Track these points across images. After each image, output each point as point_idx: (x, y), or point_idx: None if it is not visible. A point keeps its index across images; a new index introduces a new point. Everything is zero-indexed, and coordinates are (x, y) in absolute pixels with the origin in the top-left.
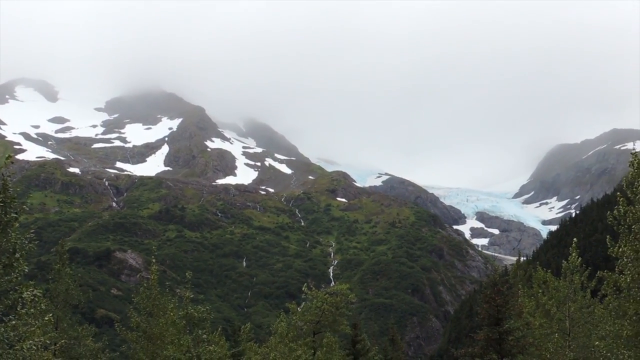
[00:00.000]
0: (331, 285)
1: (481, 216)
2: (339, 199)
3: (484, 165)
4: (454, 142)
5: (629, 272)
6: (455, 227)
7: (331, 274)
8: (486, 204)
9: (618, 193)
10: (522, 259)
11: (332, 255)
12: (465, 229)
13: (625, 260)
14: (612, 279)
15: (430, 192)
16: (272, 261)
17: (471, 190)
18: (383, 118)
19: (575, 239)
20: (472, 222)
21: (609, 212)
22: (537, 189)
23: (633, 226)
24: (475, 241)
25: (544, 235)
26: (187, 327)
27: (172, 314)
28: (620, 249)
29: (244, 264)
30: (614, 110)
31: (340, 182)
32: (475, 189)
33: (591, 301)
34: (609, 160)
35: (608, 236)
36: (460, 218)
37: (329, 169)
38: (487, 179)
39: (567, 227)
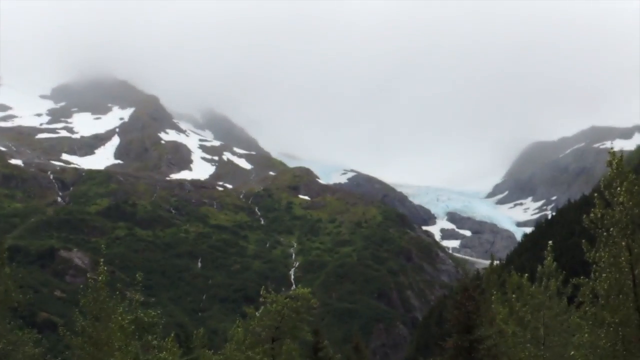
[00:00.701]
0: (292, 288)
1: (452, 217)
2: (301, 196)
3: (455, 163)
4: (424, 139)
5: (606, 278)
6: (424, 228)
7: (292, 277)
8: (458, 204)
9: (596, 194)
10: (495, 262)
11: (293, 256)
12: (435, 230)
13: (602, 266)
14: (589, 286)
15: (399, 190)
16: (229, 262)
17: (442, 189)
18: (350, 112)
19: (550, 242)
20: (443, 223)
21: (585, 215)
22: (512, 189)
23: (611, 229)
24: (445, 243)
25: (519, 237)
26: (137, 332)
27: (120, 318)
28: (597, 254)
29: (199, 265)
30: (593, 107)
31: (303, 178)
32: (446, 188)
33: (567, 308)
34: (587, 159)
35: (584, 240)
36: (430, 218)
37: (291, 164)
38: (458, 177)
39: (542, 229)
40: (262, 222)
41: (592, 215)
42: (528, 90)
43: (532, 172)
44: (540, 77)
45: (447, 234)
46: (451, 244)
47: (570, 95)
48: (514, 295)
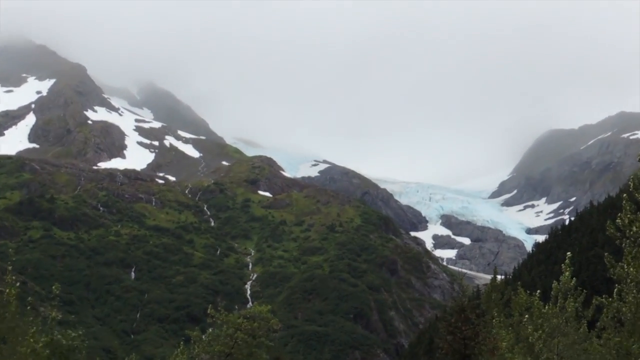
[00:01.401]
0: (248, 306)
1: (448, 220)
2: (261, 192)
3: (452, 156)
4: (415, 125)
5: (633, 299)
6: (413, 233)
7: (248, 292)
8: (455, 205)
9: (624, 195)
10: (499, 277)
11: (250, 266)
12: (426, 236)
13: (630, 284)
14: (613, 308)
15: (383, 187)
16: (171, 273)
17: (435, 187)
18: (323, 91)
19: (569, 253)
20: (436, 228)
21: (609, 221)
22: (521, 188)
23: None
24: (439, 253)
25: (529, 247)
26: (53, 358)
27: (32, 340)
28: (623, 270)
29: (133, 275)
30: (621, 90)
31: (264, 170)
32: (441, 185)
33: (587, 335)
34: (614, 152)
35: (607, 254)
36: (421, 222)
37: (250, 152)
38: (456, 172)
39: (558, 237)
40: (213, 224)
41: (618, 221)
42: (544, 70)
43: (547, 168)
44: (558, 55)
45: (441, 242)
46: (446, 254)
47: (595, 76)
48: (521, 319)
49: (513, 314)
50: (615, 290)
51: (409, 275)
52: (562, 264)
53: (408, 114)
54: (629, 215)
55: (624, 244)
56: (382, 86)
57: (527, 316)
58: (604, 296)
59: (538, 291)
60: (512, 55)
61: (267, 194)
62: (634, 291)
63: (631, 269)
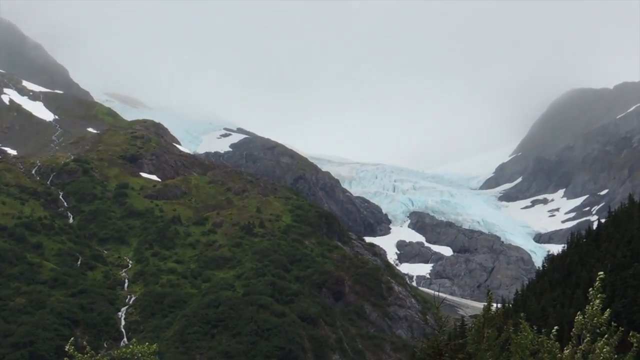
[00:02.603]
0: (122, 343)
1: (420, 221)
2: (145, 175)
3: (428, 127)
4: (376, 83)
5: None
6: (369, 239)
7: (123, 322)
8: (430, 198)
9: None
10: (494, 305)
11: (126, 284)
12: (388, 243)
13: None
14: None
15: (325, 169)
16: (7, 292)
17: (403, 171)
18: (240, 32)
19: (601, 273)
20: (403, 232)
21: None
22: (529, 174)
23: None
24: (406, 268)
25: (538, 261)
26: None
27: None
28: None
29: None
30: None
31: (150, 142)
32: (411, 169)
33: None
34: None
35: None
36: (380, 223)
37: (129, 115)
38: (433, 151)
39: (582, 248)
40: (71, 221)
41: None
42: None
43: (567, 145)
44: None
45: (409, 252)
46: (416, 270)
47: (637, 14)
48: None
49: (513, 359)
50: None
51: (361, 301)
52: (590, 288)
53: (365, 66)
54: None
55: None
56: (327, 26)
57: None
58: None
59: (555, 328)
60: None
61: (154, 177)
62: None
63: None
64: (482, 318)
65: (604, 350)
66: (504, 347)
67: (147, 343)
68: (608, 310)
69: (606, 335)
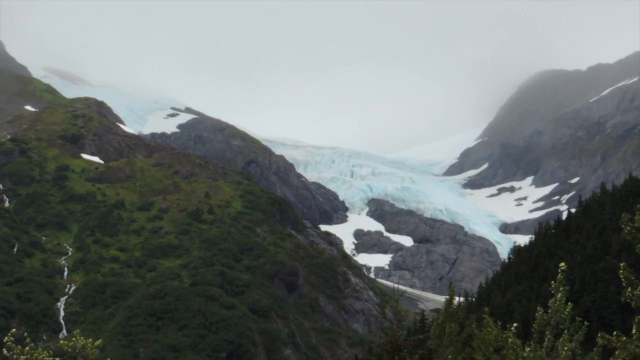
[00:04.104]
0: (61, 336)
1: (379, 208)
2: (86, 156)
3: (389, 109)
4: (332, 61)
5: None
6: (324, 227)
7: (62, 313)
8: (390, 184)
9: None
10: (457, 299)
11: (66, 273)
12: (345, 232)
13: None
14: (628, 351)
15: (279, 152)
16: None
17: (361, 155)
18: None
19: (563, 264)
20: (361, 220)
21: (624, 217)
22: (495, 160)
23: None
24: (364, 259)
25: (504, 253)
26: None
27: None
28: None
29: None
30: None
31: (92, 121)
32: (370, 153)
33: None
34: None
35: (622, 264)
36: (337, 210)
37: (69, 92)
38: (393, 134)
39: (550, 239)
40: (7, 205)
41: (638, 217)
42: None
43: (536, 130)
44: None
45: (367, 242)
46: (375, 260)
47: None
48: None
49: (475, 356)
50: (635, 323)
51: (316, 294)
52: (553, 282)
53: (324, 47)
54: None
55: None
56: (287, 6)
57: None
58: (615, 333)
59: (514, 325)
60: None
61: (96, 159)
62: None
63: None
64: (444, 313)
65: (565, 348)
66: (467, 342)
67: (88, 337)
68: (570, 304)
69: (567, 331)
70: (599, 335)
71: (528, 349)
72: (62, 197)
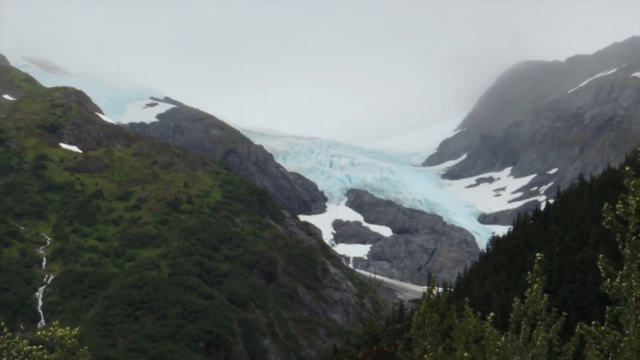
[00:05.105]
0: (39, 325)
1: (358, 198)
2: (65, 145)
3: (368, 99)
4: (312, 49)
5: (634, 330)
6: (303, 217)
7: (40, 303)
8: (369, 175)
9: (627, 169)
10: (436, 289)
11: (44, 263)
12: (324, 222)
13: (630, 306)
14: (605, 341)
15: (258, 142)
16: None
17: (340, 145)
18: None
19: (539, 254)
20: (339, 210)
21: (606, 206)
22: (474, 151)
23: None
24: (343, 249)
25: (482, 243)
26: None
27: None
28: (622, 283)
29: None
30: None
31: (71, 111)
32: (349, 144)
33: None
34: (620, 100)
35: (601, 256)
36: (316, 201)
37: (48, 81)
38: (372, 125)
39: (529, 230)
40: None
41: (619, 206)
42: None
43: (514, 121)
44: None
45: (346, 232)
46: (353, 250)
47: None
48: (465, 353)
49: (455, 346)
50: (612, 311)
51: (294, 284)
52: (529, 272)
53: (302, 36)
54: (636, 198)
55: (626, 242)
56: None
57: (476, 351)
58: (593, 323)
59: (491, 314)
60: None
61: (75, 148)
62: (636, 316)
63: (633, 282)
64: (424, 302)
65: (541, 335)
66: (446, 333)
67: (66, 327)
68: (546, 295)
69: (542, 322)
70: (579, 325)
71: (504, 338)
72: (40, 186)
